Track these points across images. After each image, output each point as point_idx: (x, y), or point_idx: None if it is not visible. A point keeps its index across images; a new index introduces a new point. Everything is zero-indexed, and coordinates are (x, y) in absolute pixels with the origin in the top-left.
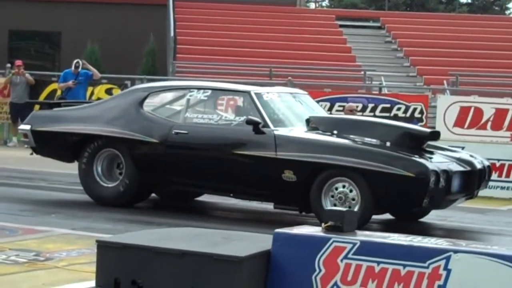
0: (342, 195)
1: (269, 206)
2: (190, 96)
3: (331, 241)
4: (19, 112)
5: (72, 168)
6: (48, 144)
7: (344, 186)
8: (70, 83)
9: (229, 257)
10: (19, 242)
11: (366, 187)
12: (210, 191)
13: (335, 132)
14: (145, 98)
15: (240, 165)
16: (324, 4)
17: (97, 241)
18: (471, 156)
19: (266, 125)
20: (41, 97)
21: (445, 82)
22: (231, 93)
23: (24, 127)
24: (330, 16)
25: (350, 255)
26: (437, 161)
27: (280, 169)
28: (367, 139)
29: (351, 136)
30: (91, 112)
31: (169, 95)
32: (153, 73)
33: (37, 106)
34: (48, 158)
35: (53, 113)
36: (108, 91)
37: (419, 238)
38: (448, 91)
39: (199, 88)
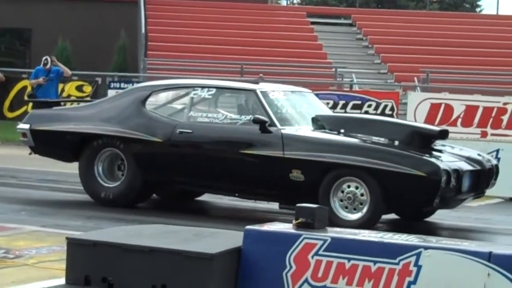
0: (351, 195)
1: (240, 203)
2: (194, 94)
3: (301, 237)
4: None
5: (40, 165)
6: (47, 143)
7: (353, 186)
8: (40, 80)
9: (199, 254)
10: None
11: (376, 186)
12: (215, 191)
13: (342, 131)
14: (148, 96)
15: (246, 164)
16: (295, 1)
17: (67, 238)
18: (478, 155)
19: (272, 124)
20: (11, 94)
21: (415, 79)
22: (236, 91)
23: (23, 126)
24: (301, 13)
25: (320, 252)
26: (447, 160)
27: (287, 169)
28: (375, 138)
29: (359, 135)
30: (92, 111)
31: (172, 94)
32: (124, 70)
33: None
34: (17, 155)
35: (52, 112)
36: (79, 88)
37: (389, 234)
38: (418, 88)
39: (203, 87)
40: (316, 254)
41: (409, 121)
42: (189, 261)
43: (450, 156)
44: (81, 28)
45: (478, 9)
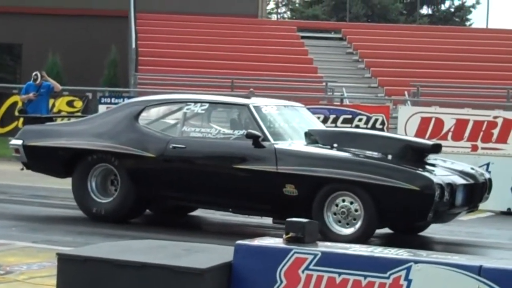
0: (345, 209)
1: (230, 218)
2: (187, 109)
3: (292, 252)
4: None
5: (31, 181)
6: (40, 159)
7: (346, 200)
8: (31, 95)
9: (190, 269)
10: None
11: (369, 201)
12: (209, 206)
13: (335, 145)
14: (141, 111)
15: (239, 179)
16: (285, 15)
17: (57, 254)
18: (472, 168)
19: (266, 139)
20: (2, 110)
21: (406, 93)
22: (229, 106)
23: (16, 142)
24: (292, 28)
25: (311, 266)
26: (441, 174)
27: (281, 184)
28: (368, 152)
29: (352, 149)
30: (85, 127)
31: (165, 109)
32: (115, 85)
33: None
34: (8, 171)
35: (45, 127)
36: (70, 103)
37: (380, 248)
38: (409, 102)
39: (196, 102)
40: (307, 268)
41: (402, 135)
42: (180, 277)
43: (444, 170)
44: (71, 43)
45: (468, 23)
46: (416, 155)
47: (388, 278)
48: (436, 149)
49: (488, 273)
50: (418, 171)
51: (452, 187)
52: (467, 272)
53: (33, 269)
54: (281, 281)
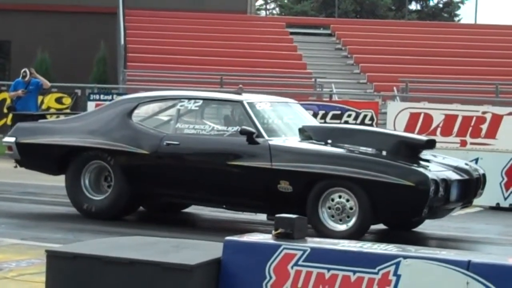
0: (339, 205)
1: (220, 214)
2: (181, 106)
3: (281, 248)
4: None
5: (21, 178)
6: (33, 156)
7: (341, 197)
8: (20, 92)
9: (179, 266)
10: None
11: (364, 197)
12: (203, 203)
13: (329, 141)
14: (134, 108)
15: (234, 176)
16: (274, 11)
17: (46, 251)
18: (466, 164)
19: (260, 135)
20: None
21: (395, 88)
22: (223, 102)
23: (9, 139)
24: (281, 24)
25: (300, 262)
26: (436, 170)
27: (275, 180)
28: (362, 148)
29: (346, 145)
30: (78, 124)
31: (159, 105)
32: (103, 82)
33: None
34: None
35: (38, 125)
36: (58, 100)
37: (369, 244)
38: (398, 98)
39: (190, 98)
40: (296, 264)
41: (397, 131)
42: (169, 273)
43: (438, 165)
44: (60, 40)
45: (456, 19)
46: (410, 150)
47: (377, 273)
48: (431, 144)
49: (476, 268)
50: (412, 167)
51: (446, 182)
52: (456, 267)
53: (22, 266)
54: (270, 277)
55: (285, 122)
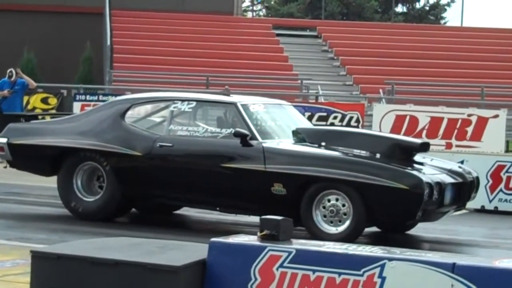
0: (333, 208)
1: (206, 215)
2: (174, 107)
3: (266, 249)
4: None
5: (5, 178)
6: (25, 157)
7: (335, 199)
8: (5, 92)
9: (164, 267)
10: None
11: (358, 200)
12: (196, 205)
13: (323, 144)
14: (127, 110)
15: (227, 178)
16: (261, 13)
17: (31, 251)
18: (459, 167)
19: (254, 137)
20: None
21: (381, 90)
22: (217, 104)
23: (1, 140)
24: (267, 25)
25: (285, 264)
26: (430, 173)
27: (269, 182)
28: (356, 151)
29: (340, 148)
30: (71, 125)
31: (152, 107)
32: (89, 82)
33: None
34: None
35: (31, 125)
36: (44, 100)
37: (354, 246)
38: (384, 100)
39: (183, 100)
40: (281, 266)
41: (390, 134)
42: (154, 274)
43: (432, 168)
44: (46, 40)
45: (442, 21)
46: (404, 153)
47: (362, 275)
48: (425, 147)
49: (461, 270)
50: (407, 170)
51: (441, 185)
52: (441, 269)
53: (6, 267)
54: (256, 279)
55: (278, 124)
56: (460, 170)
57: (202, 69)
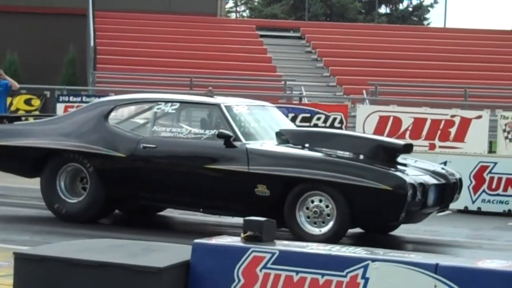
0: (317, 209)
1: (189, 216)
2: (158, 109)
3: (250, 251)
4: None
5: None
6: (8, 159)
7: (319, 200)
8: None
9: (147, 268)
10: None
11: (342, 201)
12: (180, 206)
13: (306, 145)
14: (111, 111)
15: (211, 179)
16: (244, 14)
17: (14, 253)
18: (442, 168)
19: (237, 139)
20: None
21: (364, 92)
22: (200, 105)
23: None
24: (251, 26)
25: (269, 265)
26: (413, 174)
27: (253, 184)
28: (340, 152)
29: (323, 149)
30: (54, 126)
31: (136, 108)
32: (73, 83)
33: None
34: None
35: (13, 127)
36: (27, 102)
37: (337, 247)
38: (367, 101)
39: (166, 101)
40: (265, 267)
41: (374, 135)
42: (137, 276)
43: (415, 170)
44: (29, 41)
45: (426, 22)
46: (388, 155)
47: (345, 276)
48: (408, 149)
49: (444, 271)
50: (390, 171)
51: (424, 187)
52: (424, 270)
53: None
54: (239, 280)
55: (262, 125)
56: (443, 171)
57: (185, 70)
